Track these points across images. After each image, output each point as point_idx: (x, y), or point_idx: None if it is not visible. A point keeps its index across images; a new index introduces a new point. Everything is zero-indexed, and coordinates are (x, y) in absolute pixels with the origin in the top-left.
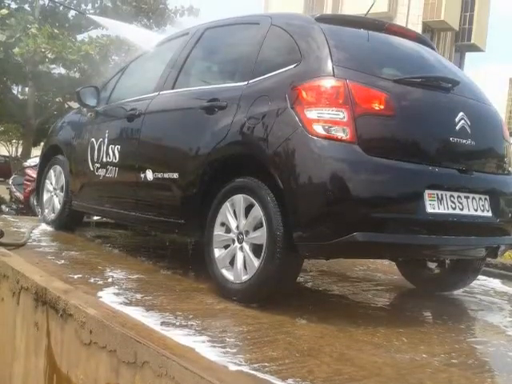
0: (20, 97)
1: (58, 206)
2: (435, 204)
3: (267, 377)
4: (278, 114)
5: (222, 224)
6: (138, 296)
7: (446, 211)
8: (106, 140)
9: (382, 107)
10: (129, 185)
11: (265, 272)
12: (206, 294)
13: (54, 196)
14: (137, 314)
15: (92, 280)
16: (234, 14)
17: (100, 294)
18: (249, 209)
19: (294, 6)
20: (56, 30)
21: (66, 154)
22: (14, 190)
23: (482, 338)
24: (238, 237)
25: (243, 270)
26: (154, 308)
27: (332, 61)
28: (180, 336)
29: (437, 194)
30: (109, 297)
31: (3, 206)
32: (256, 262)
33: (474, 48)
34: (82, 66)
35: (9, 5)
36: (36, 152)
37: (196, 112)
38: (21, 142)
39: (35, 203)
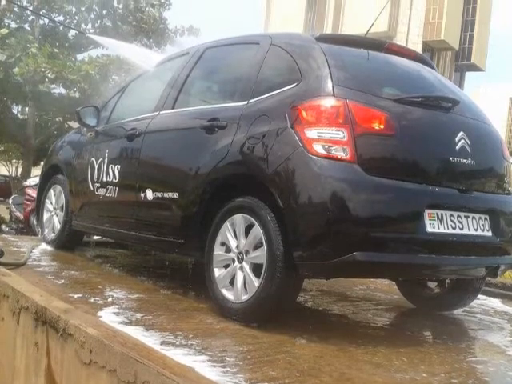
0: (20, 116)
1: (57, 225)
2: (435, 223)
3: None
4: (278, 133)
5: (222, 244)
6: (138, 315)
7: (446, 231)
8: (106, 159)
9: (382, 127)
10: (129, 204)
11: (265, 291)
12: (206, 313)
13: (54, 215)
14: (137, 333)
15: (92, 299)
16: (234, 33)
17: (100, 313)
18: (249, 228)
19: (294, 25)
20: (56, 50)
21: (66, 174)
22: (14, 209)
23: (482, 357)
24: (238, 256)
25: (243, 289)
26: (154, 327)
27: (332, 80)
28: (180, 355)
29: (437, 214)
30: (109, 316)
31: (3, 226)
32: (256, 282)
33: (474, 67)
34: (82, 85)
35: (9, 24)
36: (36, 171)
37: (196, 132)
38: (21, 161)
39: (35, 223)
